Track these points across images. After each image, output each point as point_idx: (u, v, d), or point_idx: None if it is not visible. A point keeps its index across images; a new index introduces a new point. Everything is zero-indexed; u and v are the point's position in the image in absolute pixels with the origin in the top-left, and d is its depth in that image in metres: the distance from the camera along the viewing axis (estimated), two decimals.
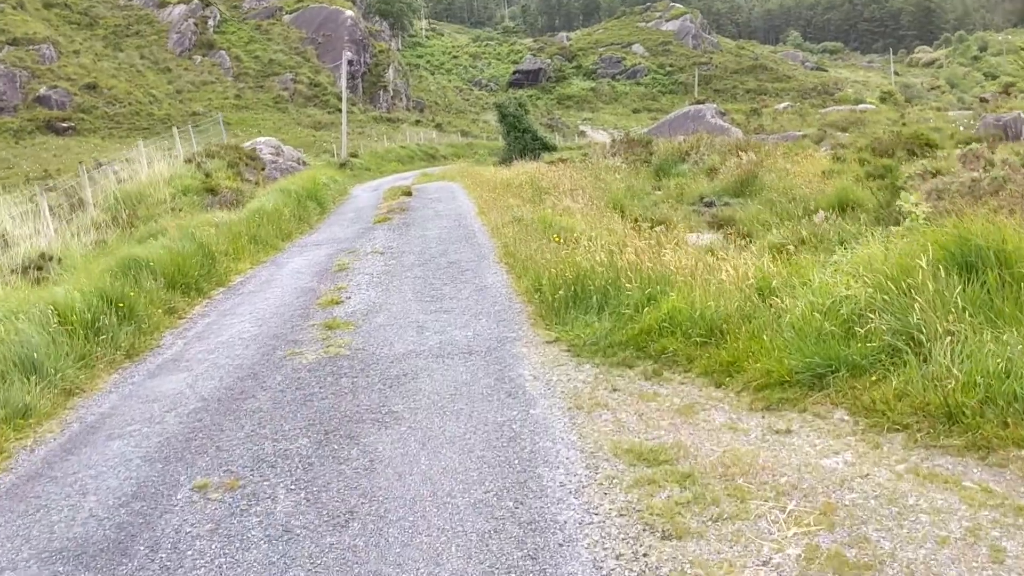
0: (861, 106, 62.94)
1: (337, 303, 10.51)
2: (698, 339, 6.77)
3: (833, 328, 5.88)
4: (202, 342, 9.38)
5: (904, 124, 49.34)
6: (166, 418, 6.79)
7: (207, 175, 22.40)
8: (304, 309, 10.43)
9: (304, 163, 35.41)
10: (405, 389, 6.78)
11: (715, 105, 56.90)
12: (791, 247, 12.07)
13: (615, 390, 6.31)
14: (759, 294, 6.92)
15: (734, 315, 6.71)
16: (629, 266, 8.53)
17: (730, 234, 16.24)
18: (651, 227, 15.23)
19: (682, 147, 27.67)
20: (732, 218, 17.72)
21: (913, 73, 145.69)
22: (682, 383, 6.33)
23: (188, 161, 25.27)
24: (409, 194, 25.33)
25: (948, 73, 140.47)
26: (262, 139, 35.01)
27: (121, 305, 9.42)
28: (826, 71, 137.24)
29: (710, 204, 20.64)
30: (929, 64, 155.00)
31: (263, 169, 26.64)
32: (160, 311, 10.34)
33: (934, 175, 13.38)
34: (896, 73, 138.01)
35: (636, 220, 15.86)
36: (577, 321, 8.33)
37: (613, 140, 32.25)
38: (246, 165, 25.48)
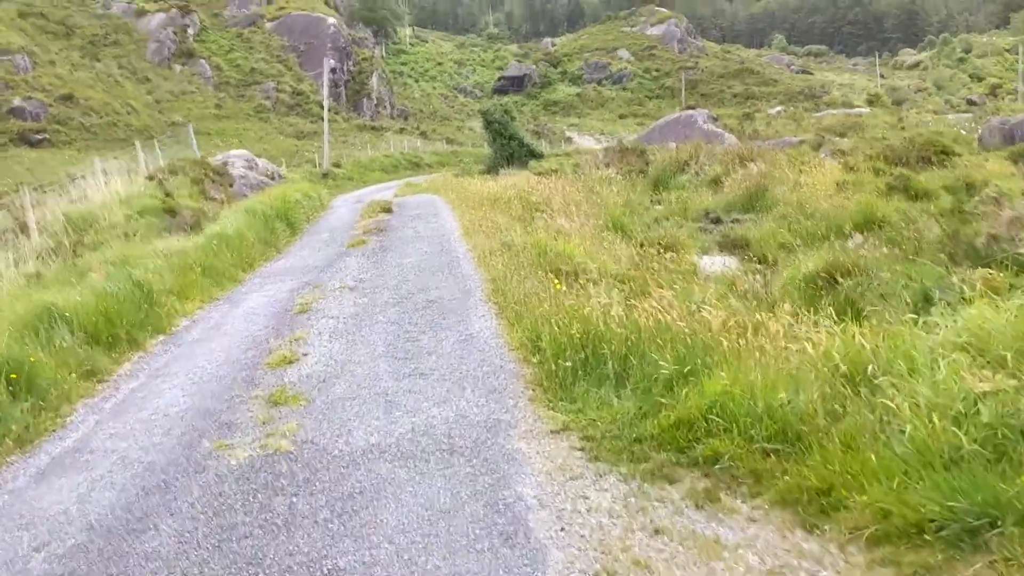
0: (856, 110, 61.33)
1: (291, 362, 8.60)
2: (765, 444, 4.92)
3: (975, 446, 4.05)
4: (118, 420, 7.47)
5: (903, 128, 47.78)
6: (31, 563, 4.89)
7: (167, 194, 20.46)
8: (250, 370, 8.52)
9: (280, 176, 33.47)
10: (360, 521, 4.87)
11: (707, 110, 55.13)
12: (836, 280, 10.28)
13: (657, 532, 4.43)
14: (848, 380, 5.06)
15: (815, 411, 4.86)
16: (655, 324, 6.68)
17: (748, 258, 14.44)
18: (659, 252, 13.42)
19: (680, 156, 25.89)
20: (745, 238, 15.91)
21: (898, 75, 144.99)
22: (752, 519, 4.46)
23: (150, 178, 23.33)
24: (389, 211, 23.44)
25: (935, 75, 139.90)
26: (235, 152, 33.05)
27: (15, 376, 7.51)
28: (812, 74, 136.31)
29: (717, 220, 18.86)
30: (914, 67, 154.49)
31: (231, 185, 24.69)
32: (75, 375, 8.42)
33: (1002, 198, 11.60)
34: (881, 76, 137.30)
35: (642, 245, 14.04)
36: (589, 397, 6.48)
37: (606, 149, 30.47)
38: (212, 182, 23.53)
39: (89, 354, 8.99)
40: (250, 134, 72.88)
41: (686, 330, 6.49)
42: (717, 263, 14.07)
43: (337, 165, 55.95)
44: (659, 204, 21.87)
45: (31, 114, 65.73)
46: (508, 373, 7.64)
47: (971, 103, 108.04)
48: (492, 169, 50.52)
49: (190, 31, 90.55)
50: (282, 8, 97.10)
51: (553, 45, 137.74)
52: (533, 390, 7.08)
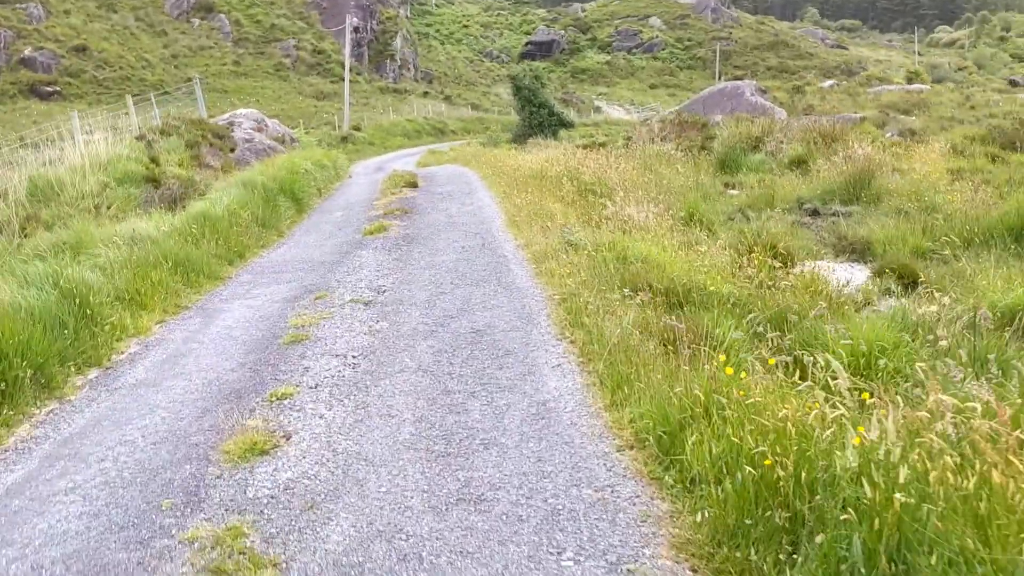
0: (915, 86, 57.20)
1: (264, 452, 5.35)
2: None
3: None
4: None
5: (972, 107, 43.92)
6: None
7: (152, 159, 17.20)
8: (199, 462, 5.28)
9: (293, 140, 30.14)
10: None
11: (754, 82, 51.22)
12: None
13: None
14: None
15: None
16: (976, 484, 3.38)
17: (882, 271, 11.04)
18: (783, 266, 10.07)
19: (751, 132, 22.34)
20: (867, 240, 12.50)
21: (934, 53, 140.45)
22: None
23: (140, 138, 20.09)
24: (414, 185, 20.18)
25: (975, 54, 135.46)
26: (243, 111, 29.71)
27: None
28: (847, 49, 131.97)
29: (815, 213, 15.45)
30: (950, 44, 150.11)
31: (232, 151, 21.37)
32: None
33: None
34: (918, 53, 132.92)
35: (751, 249, 10.66)
36: None
37: (662, 121, 26.92)
38: (210, 146, 20.23)
39: None
40: (268, 93, 70.30)
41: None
42: (846, 276, 10.68)
43: (357, 128, 52.89)
44: (734, 188, 18.46)
45: (42, 65, 63.34)
46: (630, 509, 4.38)
47: (1013, 83, 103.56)
48: (520, 138, 47.24)
49: None
50: None
51: (583, 11, 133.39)
52: (694, 568, 3.82)
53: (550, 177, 17.77)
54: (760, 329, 8.10)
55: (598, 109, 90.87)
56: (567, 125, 51.40)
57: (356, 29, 75.55)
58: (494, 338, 7.45)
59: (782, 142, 20.93)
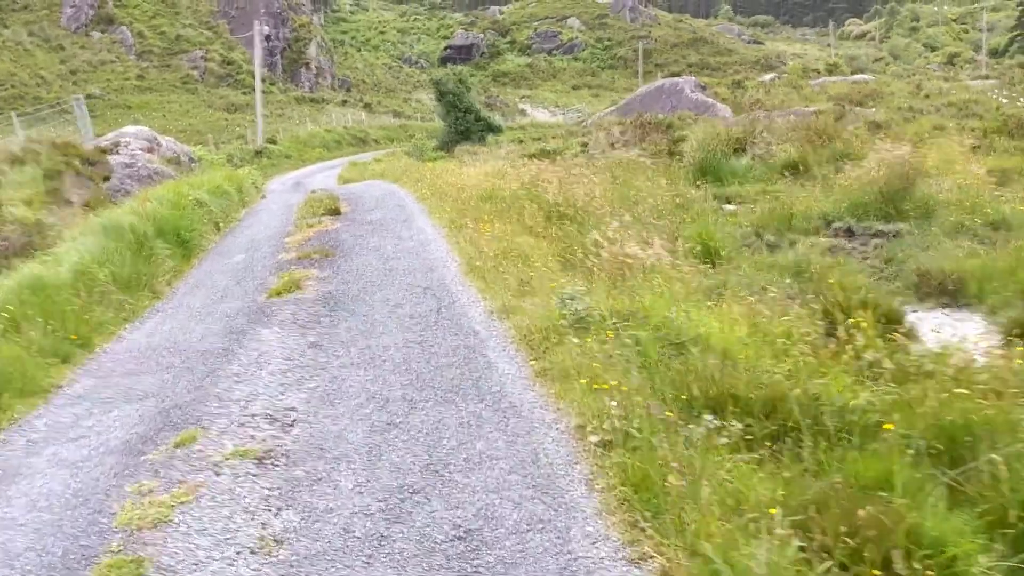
0: (860, 77, 55.25)
1: None
2: None
3: None
4: None
5: (926, 96, 41.77)
6: None
7: None
8: None
9: (192, 160, 25.99)
10: None
11: (694, 78, 48.41)
12: None
13: None
14: None
15: None
16: None
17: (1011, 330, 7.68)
18: (895, 332, 6.63)
19: (732, 133, 19.00)
20: (961, 281, 9.16)
21: (847, 45, 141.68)
22: None
23: None
24: (337, 212, 16.43)
25: (890, 45, 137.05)
26: (132, 129, 25.42)
27: None
28: (763, 44, 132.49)
29: (850, 233, 12.15)
30: (861, 37, 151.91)
31: (107, 179, 17.26)
32: None
33: None
34: (833, 46, 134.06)
35: (844, 309, 7.18)
36: None
37: (622, 124, 23.53)
38: (77, 174, 16.14)
39: None
40: (175, 107, 65.84)
41: None
42: (950, 332, 7.32)
43: (272, 141, 48.78)
44: (729, 203, 15.10)
45: None
46: None
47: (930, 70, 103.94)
48: (447, 145, 44.02)
49: None
50: None
51: (501, 13, 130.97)
52: None
53: (505, 198, 14.25)
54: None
55: (523, 112, 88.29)
56: (495, 130, 48.41)
57: (267, 37, 71.24)
58: (502, 556, 3.84)
59: (770, 143, 17.70)
